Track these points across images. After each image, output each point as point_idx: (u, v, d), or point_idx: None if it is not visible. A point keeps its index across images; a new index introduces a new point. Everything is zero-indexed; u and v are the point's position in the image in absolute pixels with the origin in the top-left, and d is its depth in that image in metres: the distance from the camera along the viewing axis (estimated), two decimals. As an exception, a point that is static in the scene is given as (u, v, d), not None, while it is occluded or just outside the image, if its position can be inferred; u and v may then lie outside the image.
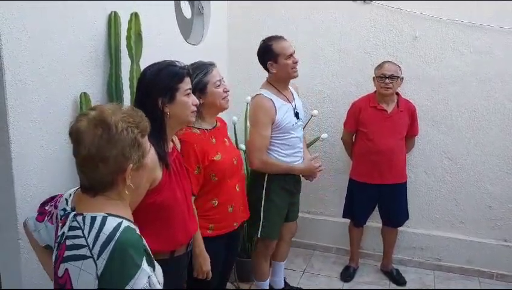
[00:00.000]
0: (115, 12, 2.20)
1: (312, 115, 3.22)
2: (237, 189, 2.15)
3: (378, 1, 3.31)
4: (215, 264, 2.00)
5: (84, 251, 1.12)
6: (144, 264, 1.12)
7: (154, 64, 1.67)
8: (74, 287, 1.12)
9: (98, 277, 1.09)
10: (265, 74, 2.64)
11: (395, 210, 3.23)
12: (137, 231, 1.20)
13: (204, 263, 1.95)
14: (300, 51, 2.80)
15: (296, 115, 2.60)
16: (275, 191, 2.61)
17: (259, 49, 2.56)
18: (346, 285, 3.26)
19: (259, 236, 2.67)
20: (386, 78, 2.97)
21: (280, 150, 2.58)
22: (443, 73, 3.28)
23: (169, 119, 1.63)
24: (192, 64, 2.04)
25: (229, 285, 2.72)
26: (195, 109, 1.70)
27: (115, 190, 1.19)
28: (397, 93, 3.12)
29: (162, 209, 1.62)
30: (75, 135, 1.14)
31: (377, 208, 3.29)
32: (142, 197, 1.55)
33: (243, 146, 2.90)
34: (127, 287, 1.07)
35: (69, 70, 1.98)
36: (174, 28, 2.88)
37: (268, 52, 2.50)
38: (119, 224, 1.15)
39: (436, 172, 3.43)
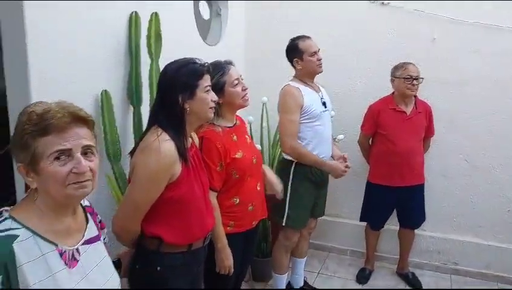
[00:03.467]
0: (136, 12, 2.25)
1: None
2: (258, 188, 2.17)
3: (395, 2, 3.30)
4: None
5: None
6: None
7: (175, 61, 1.69)
8: None
9: None
10: (283, 74, 2.75)
11: (413, 211, 3.21)
12: (23, 245, 1.02)
13: (227, 258, 1.96)
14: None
15: (324, 104, 2.70)
16: (301, 181, 2.66)
17: (286, 47, 2.71)
18: (362, 287, 3.25)
19: (283, 225, 2.72)
20: (414, 79, 2.96)
21: (307, 138, 2.63)
22: (461, 75, 3.25)
23: (188, 115, 1.66)
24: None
25: (244, 284, 2.73)
26: (214, 105, 1.72)
27: (32, 192, 1.09)
28: (415, 95, 3.10)
29: (180, 204, 1.64)
30: None
31: (394, 210, 3.27)
32: (160, 191, 1.59)
33: (258, 146, 2.91)
34: None
35: (90, 69, 2.04)
36: (193, 29, 2.92)
37: (294, 50, 2.65)
38: (6, 230, 1.02)
39: (454, 175, 3.39)
